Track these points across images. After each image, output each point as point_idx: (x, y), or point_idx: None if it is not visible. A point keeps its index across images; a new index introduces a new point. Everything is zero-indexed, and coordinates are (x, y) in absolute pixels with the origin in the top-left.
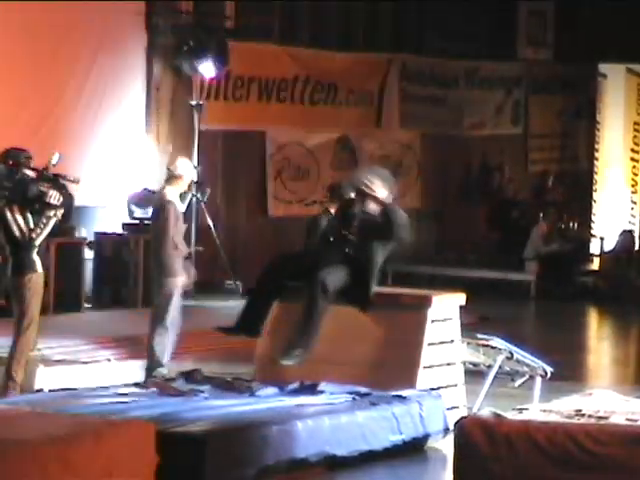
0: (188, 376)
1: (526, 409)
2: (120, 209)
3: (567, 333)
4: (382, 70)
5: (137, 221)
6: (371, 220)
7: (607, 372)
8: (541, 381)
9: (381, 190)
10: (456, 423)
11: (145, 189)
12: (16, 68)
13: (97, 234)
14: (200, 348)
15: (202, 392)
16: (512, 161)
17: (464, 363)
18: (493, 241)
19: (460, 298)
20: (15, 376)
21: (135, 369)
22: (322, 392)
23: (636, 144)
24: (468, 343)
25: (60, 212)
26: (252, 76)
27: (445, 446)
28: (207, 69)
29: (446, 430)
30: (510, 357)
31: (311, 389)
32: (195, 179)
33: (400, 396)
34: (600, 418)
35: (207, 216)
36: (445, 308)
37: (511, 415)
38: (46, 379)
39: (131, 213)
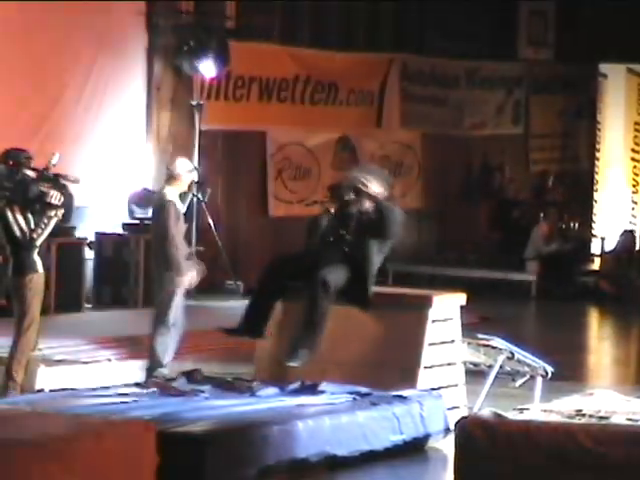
0: (189, 376)
1: (527, 409)
2: (120, 209)
3: (568, 333)
4: (383, 70)
5: (137, 221)
6: (367, 219)
7: (608, 372)
8: (542, 381)
9: (375, 187)
10: (457, 423)
11: (145, 189)
12: (16, 68)
13: (97, 234)
14: (201, 348)
15: (203, 392)
16: (513, 161)
17: (465, 363)
18: (494, 241)
19: (461, 298)
20: (15, 376)
21: (136, 369)
22: (323, 392)
23: (637, 144)
24: (469, 343)
25: (61, 212)
26: (253, 76)
27: (446, 446)
28: (207, 69)
29: (447, 430)
30: (511, 357)
31: (312, 389)
32: (195, 179)
33: (401, 396)
34: (601, 418)
35: (208, 216)
36: (446, 308)
37: (512, 415)
38: (47, 379)
39: (132, 213)
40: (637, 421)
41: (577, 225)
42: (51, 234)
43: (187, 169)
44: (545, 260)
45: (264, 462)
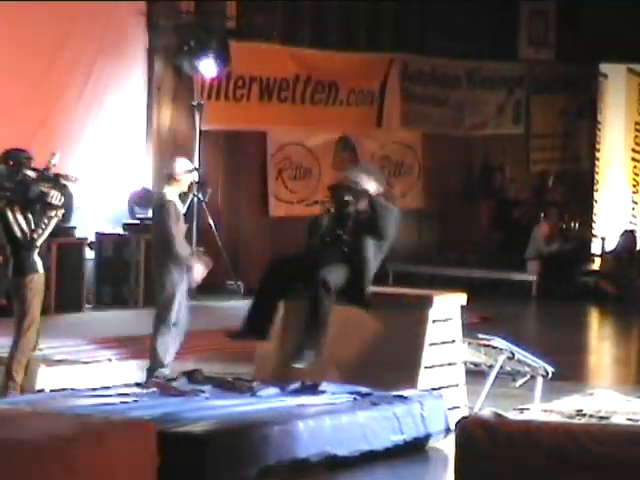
0: (189, 376)
1: (527, 409)
2: (121, 209)
3: (568, 333)
4: (383, 70)
5: (138, 221)
6: (363, 218)
7: (608, 372)
8: (542, 381)
9: (368, 184)
10: (457, 423)
11: (145, 189)
12: (17, 68)
13: (98, 234)
14: (201, 348)
15: (203, 392)
16: (514, 161)
17: (465, 363)
18: (494, 241)
19: (461, 298)
20: (15, 376)
21: (136, 369)
22: (323, 392)
23: (637, 144)
24: (469, 343)
25: (61, 212)
26: (253, 76)
27: (446, 446)
28: (208, 69)
29: (447, 430)
30: (511, 357)
31: (312, 389)
32: (195, 179)
33: (401, 396)
34: (601, 418)
35: (208, 216)
36: (446, 308)
37: (512, 415)
38: (47, 379)
39: (132, 213)
40: (637, 421)
41: (577, 225)
42: (51, 234)
43: (187, 169)
44: (546, 260)
45: (264, 462)
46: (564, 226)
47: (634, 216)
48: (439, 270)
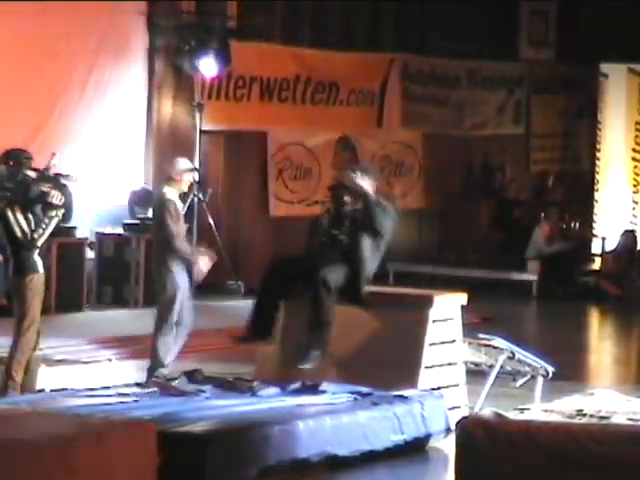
0: (189, 376)
1: (528, 409)
2: (121, 209)
3: (569, 333)
4: (384, 70)
5: (138, 221)
6: (360, 217)
7: (609, 372)
8: (542, 381)
9: (363, 181)
10: (457, 423)
11: (145, 189)
12: (17, 68)
13: (98, 234)
14: (201, 348)
15: (203, 392)
16: (514, 161)
17: (466, 363)
18: (495, 241)
19: (462, 298)
20: (15, 376)
21: (136, 369)
22: (323, 392)
23: (638, 144)
24: (470, 343)
25: (61, 212)
26: (253, 76)
27: (447, 446)
28: (208, 69)
29: (448, 430)
30: (512, 357)
31: (312, 389)
32: (196, 179)
33: (402, 396)
34: (602, 418)
35: (208, 216)
36: (447, 308)
37: (513, 415)
38: (47, 379)
39: (132, 213)
40: (638, 421)
41: (578, 225)
42: (52, 234)
43: (187, 169)
44: (546, 260)
45: (265, 462)
46: (564, 226)
47: (634, 216)
48: (439, 270)
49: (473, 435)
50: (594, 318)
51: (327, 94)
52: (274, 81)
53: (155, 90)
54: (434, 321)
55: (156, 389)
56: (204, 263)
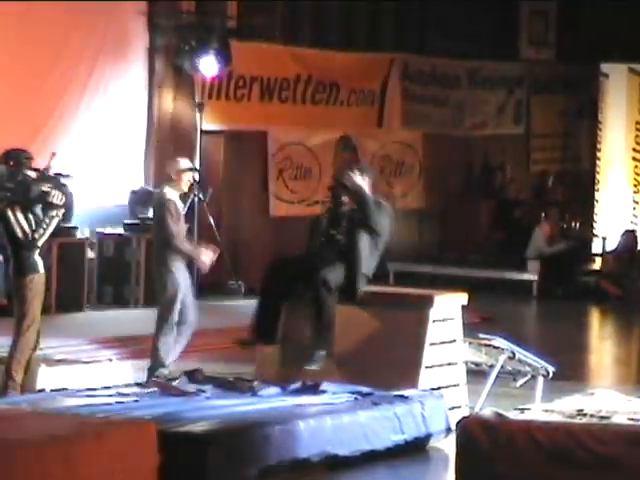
0: (190, 376)
1: (528, 409)
2: (122, 209)
3: (569, 333)
4: (384, 70)
5: (138, 221)
6: (357, 216)
7: (609, 372)
8: (543, 381)
9: (360, 180)
10: (458, 423)
11: (146, 188)
12: (18, 68)
13: (99, 234)
14: (202, 348)
15: (204, 392)
16: (514, 161)
17: (466, 363)
18: (495, 241)
19: (462, 298)
20: (15, 376)
21: (137, 369)
22: (324, 392)
23: (638, 144)
24: (470, 343)
25: (62, 212)
26: (254, 76)
27: (447, 446)
28: (209, 68)
29: (448, 430)
30: (512, 357)
31: (313, 389)
32: (196, 179)
33: (402, 396)
34: (602, 418)
35: (209, 216)
36: (447, 308)
37: (513, 415)
38: (48, 379)
39: (133, 213)
40: (638, 421)
41: (578, 225)
42: (52, 234)
43: (187, 169)
44: (546, 260)
45: (265, 462)
46: (565, 226)
47: (635, 216)
48: (440, 270)
49: (473, 435)
50: (594, 318)
51: (327, 94)
52: (274, 81)
53: (155, 90)
54: (434, 321)
55: (156, 389)
56: (207, 256)
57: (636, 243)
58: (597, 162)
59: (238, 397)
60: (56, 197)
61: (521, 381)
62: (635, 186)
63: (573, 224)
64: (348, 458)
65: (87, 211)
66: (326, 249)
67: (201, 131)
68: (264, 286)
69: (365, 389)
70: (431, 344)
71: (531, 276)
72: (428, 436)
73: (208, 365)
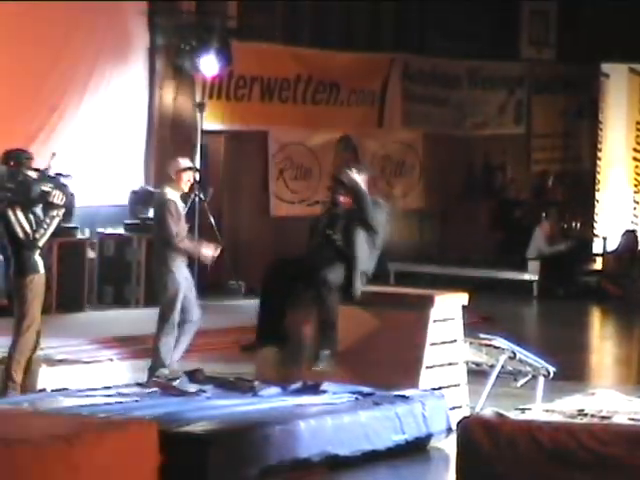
0: (191, 376)
1: (529, 409)
2: (122, 209)
3: (570, 333)
4: (384, 70)
5: (139, 221)
6: (354, 215)
7: (610, 372)
8: (544, 381)
9: (355, 175)
10: (459, 423)
11: (146, 188)
12: (18, 68)
13: (99, 234)
14: (202, 348)
15: (204, 392)
16: (514, 161)
17: (467, 363)
18: (495, 241)
19: (462, 298)
20: (15, 376)
21: (137, 369)
22: (325, 392)
23: (638, 144)
24: (471, 343)
25: (62, 212)
26: (254, 76)
27: (448, 446)
28: (209, 67)
29: (449, 430)
30: (513, 357)
31: (313, 389)
32: (196, 179)
33: (403, 396)
34: (603, 418)
35: (210, 216)
36: (448, 308)
37: (514, 415)
38: (48, 379)
39: (134, 213)
40: (639, 421)
41: (579, 225)
42: (53, 234)
43: (187, 168)
44: (547, 260)
45: (266, 462)
46: (565, 226)
47: (635, 216)
48: (440, 270)
49: (474, 435)
50: (595, 318)
51: (328, 94)
52: (275, 81)
53: (156, 90)
54: (435, 321)
55: (157, 389)
56: (209, 250)
57: (637, 243)
58: (597, 162)
59: (239, 397)
60: (57, 197)
61: (522, 381)
62: (635, 186)
63: (573, 224)
64: (349, 458)
65: (88, 211)
66: (325, 249)
67: (201, 131)
68: (264, 287)
69: (366, 389)
70: (432, 344)
71: (531, 276)
72: (429, 436)
73: (209, 365)
